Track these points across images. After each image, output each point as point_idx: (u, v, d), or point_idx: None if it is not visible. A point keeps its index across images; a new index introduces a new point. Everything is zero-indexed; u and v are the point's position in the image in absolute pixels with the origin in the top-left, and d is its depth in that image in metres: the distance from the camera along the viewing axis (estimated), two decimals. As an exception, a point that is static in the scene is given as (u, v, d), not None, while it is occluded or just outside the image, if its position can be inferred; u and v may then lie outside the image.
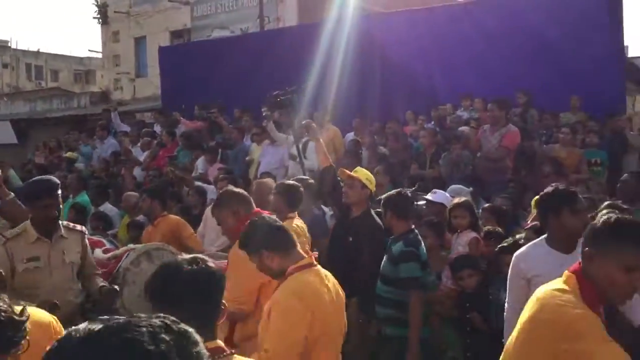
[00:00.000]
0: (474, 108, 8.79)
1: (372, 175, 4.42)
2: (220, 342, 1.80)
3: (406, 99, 9.50)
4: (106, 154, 10.04)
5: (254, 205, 3.53)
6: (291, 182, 4.41)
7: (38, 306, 2.66)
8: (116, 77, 21.17)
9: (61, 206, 3.71)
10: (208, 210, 6.12)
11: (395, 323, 3.85)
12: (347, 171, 4.40)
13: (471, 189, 5.91)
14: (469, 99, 8.88)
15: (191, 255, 1.87)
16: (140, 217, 6.32)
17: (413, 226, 4.02)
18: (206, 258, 1.89)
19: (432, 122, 8.66)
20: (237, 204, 3.44)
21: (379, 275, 3.94)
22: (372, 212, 4.35)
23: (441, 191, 5.10)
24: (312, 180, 5.46)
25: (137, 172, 9.00)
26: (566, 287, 2.01)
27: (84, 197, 7.18)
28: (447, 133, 7.72)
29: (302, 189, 4.23)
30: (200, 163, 8.54)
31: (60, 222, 3.72)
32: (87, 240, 3.85)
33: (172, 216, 5.62)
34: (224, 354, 1.77)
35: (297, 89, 6.81)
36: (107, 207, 7.21)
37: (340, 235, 4.39)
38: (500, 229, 4.54)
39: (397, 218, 3.93)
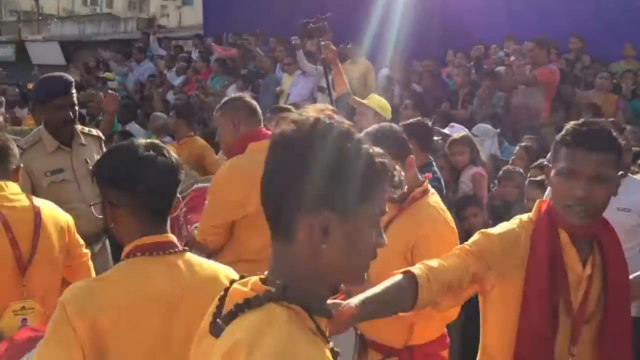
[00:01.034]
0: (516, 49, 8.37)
1: (387, 104, 4.23)
2: (172, 237, 1.67)
3: (447, 38, 9.12)
4: (142, 77, 10.09)
5: (261, 123, 3.11)
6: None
7: None
8: (163, 3, 21.09)
9: (76, 108, 3.34)
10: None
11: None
12: (359, 99, 4.23)
13: (499, 130, 5.67)
14: (512, 39, 8.45)
15: (149, 141, 1.70)
16: (167, 139, 6.35)
17: (431, 158, 3.83)
18: (168, 148, 1.71)
19: (472, 63, 8.32)
20: (239, 116, 2.98)
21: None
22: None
23: (459, 126, 4.90)
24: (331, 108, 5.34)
25: (170, 96, 9.04)
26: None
27: (111, 115, 7.24)
28: (482, 72, 7.39)
29: None
30: (231, 90, 8.48)
31: (76, 127, 3.39)
32: (104, 147, 3.49)
33: (200, 139, 5.59)
34: (176, 249, 1.65)
35: (331, 16, 6.58)
36: (134, 127, 7.29)
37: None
38: (520, 169, 4.35)
39: (419, 149, 3.73)
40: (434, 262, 1.84)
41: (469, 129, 5.17)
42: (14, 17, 22.34)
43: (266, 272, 1.13)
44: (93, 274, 2.58)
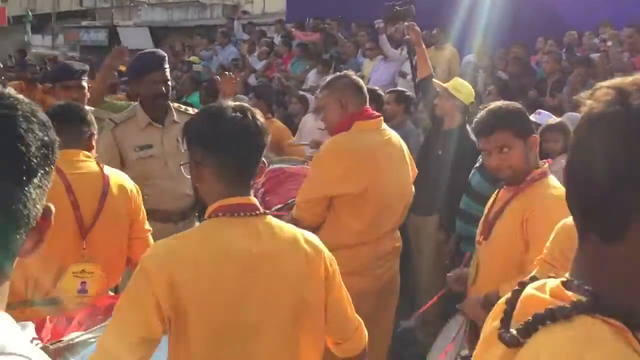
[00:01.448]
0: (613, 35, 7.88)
1: (468, 87, 4.08)
2: (254, 199, 1.67)
3: (538, 24, 8.72)
4: (226, 61, 10.29)
5: (366, 102, 3.02)
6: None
7: None
8: (248, -10, 21.37)
9: (169, 83, 3.37)
10: (305, 118, 6.10)
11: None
12: (438, 81, 4.10)
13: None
14: (608, 25, 7.96)
15: (238, 104, 1.71)
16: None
17: None
18: (255, 110, 1.72)
19: (564, 49, 7.91)
20: (347, 95, 2.93)
21: (468, 191, 3.70)
22: (468, 127, 4.05)
23: (546, 113, 4.65)
24: (409, 93, 5.23)
25: (252, 79, 9.17)
26: None
27: (194, 98, 7.41)
28: (575, 59, 7.01)
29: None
30: (311, 75, 8.50)
31: (171, 104, 3.43)
32: None
33: (278, 121, 5.62)
34: (257, 212, 1.64)
35: (417, 0, 6.42)
36: (216, 108, 7.42)
37: (429, 148, 4.17)
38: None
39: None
40: None
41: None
42: (108, 3, 23.25)
43: (565, 275, 0.90)
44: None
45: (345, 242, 2.79)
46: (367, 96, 3.04)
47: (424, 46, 4.58)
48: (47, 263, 2.28)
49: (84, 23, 23.26)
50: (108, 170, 2.48)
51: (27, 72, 8.17)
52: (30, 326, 1.87)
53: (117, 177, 2.51)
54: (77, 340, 1.91)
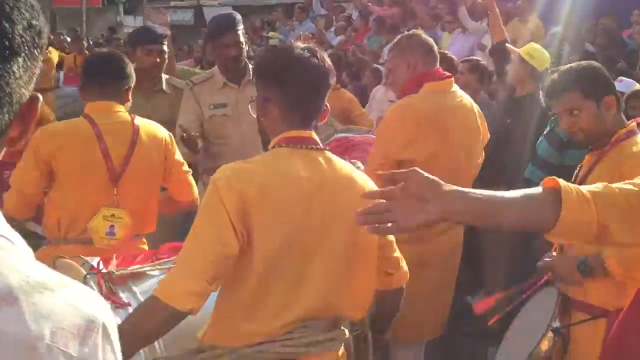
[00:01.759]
0: None
1: (542, 52, 3.85)
2: (315, 135, 1.73)
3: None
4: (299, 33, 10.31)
5: (437, 63, 2.93)
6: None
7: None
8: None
9: (244, 46, 3.36)
10: (375, 90, 6.01)
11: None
12: (510, 45, 3.89)
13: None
14: None
15: (307, 44, 1.77)
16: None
17: None
18: (323, 53, 1.79)
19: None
20: (417, 55, 2.83)
21: (534, 159, 3.52)
22: (541, 94, 3.83)
23: (630, 80, 4.32)
24: (484, 62, 5.03)
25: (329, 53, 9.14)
26: None
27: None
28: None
29: None
30: (387, 49, 8.35)
31: (249, 64, 3.41)
32: None
33: (346, 92, 5.58)
34: (318, 146, 1.71)
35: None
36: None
37: (499, 116, 3.98)
38: None
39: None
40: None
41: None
42: (195, -16, 23.85)
43: None
44: (195, 190, 2.72)
45: None
46: (438, 56, 2.95)
47: (497, 11, 4.37)
48: (80, 205, 2.43)
49: (172, 3, 23.98)
50: (139, 120, 2.58)
51: (113, 46, 8.53)
52: (97, 259, 1.98)
53: (148, 127, 2.61)
54: (141, 270, 1.98)
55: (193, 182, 2.74)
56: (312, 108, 1.74)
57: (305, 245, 1.63)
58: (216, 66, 3.41)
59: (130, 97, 2.62)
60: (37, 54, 0.72)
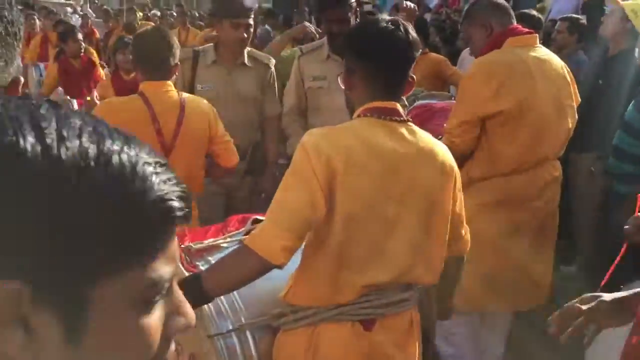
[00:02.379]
0: None
1: None
2: (399, 106, 1.77)
3: None
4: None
5: (512, 19, 2.86)
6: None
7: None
8: None
9: (350, 23, 3.25)
10: (464, 53, 5.85)
11: (630, 180, 3.23)
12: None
13: None
14: None
15: (393, 17, 1.84)
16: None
17: None
18: (408, 25, 1.82)
19: None
20: (489, 16, 2.81)
21: (622, 124, 3.30)
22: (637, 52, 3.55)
23: None
24: (584, 21, 4.73)
25: (426, 16, 8.93)
26: None
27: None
28: None
29: None
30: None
31: None
32: None
33: (433, 54, 5.47)
34: (401, 118, 1.75)
35: None
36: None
37: (591, 77, 3.74)
38: None
39: None
40: None
41: None
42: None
43: None
44: (236, 156, 2.95)
45: (499, 170, 2.69)
46: (512, 14, 2.89)
47: None
48: None
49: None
50: (184, 96, 2.82)
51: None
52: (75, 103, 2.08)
53: (193, 102, 2.83)
54: (216, 243, 2.06)
55: (234, 149, 2.94)
56: (395, 80, 1.77)
57: (385, 213, 1.67)
58: (325, 38, 3.42)
59: (177, 72, 2.82)
60: (10, 41, 0.79)
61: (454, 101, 3.69)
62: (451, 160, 1.82)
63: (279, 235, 1.59)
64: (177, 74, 2.84)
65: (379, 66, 1.74)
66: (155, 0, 21.34)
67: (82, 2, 18.23)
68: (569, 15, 5.17)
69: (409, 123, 1.77)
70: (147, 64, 2.74)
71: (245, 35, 3.28)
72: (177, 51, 2.76)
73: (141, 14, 11.48)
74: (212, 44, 3.49)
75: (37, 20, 8.26)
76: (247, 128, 3.35)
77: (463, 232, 1.95)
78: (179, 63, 2.80)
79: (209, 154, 2.90)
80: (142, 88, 2.73)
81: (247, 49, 3.44)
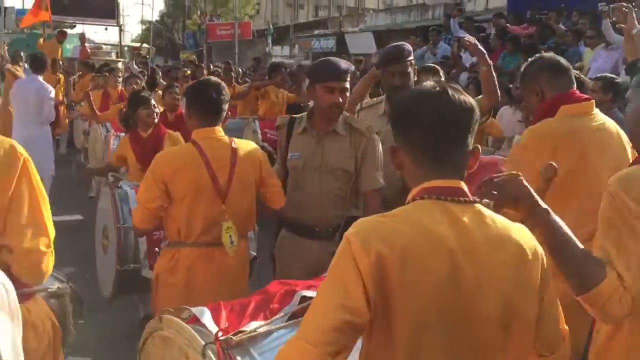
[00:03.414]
0: None
1: None
2: (462, 184, 1.50)
3: None
4: (435, 59, 10.34)
5: (572, 83, 2.73)
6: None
7: None
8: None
9: (411, 76, 3.38)
10: (502, 110, 5.98)
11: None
12: None
13: None
14: None
15: (442, 82, 1.56)
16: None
17: None
18: (456, 87, 1.54)
19: None
20: (542, 80, 2.71)
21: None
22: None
23: None
24: (619, 80, 4.81)
25: (463, 77, 9.11)
26: None
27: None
28: None
29: None
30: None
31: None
32: None
33: None
34: (465, 198, 1.47)
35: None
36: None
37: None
38: None
39: None
40: None
41: None
42: (338, 12, 24.81)
43: None
44: (284, 199, 3.08)
45: None
46: (572, 77, 2.75)
47: (636, 23, 4.17)
48: (194, 218, 2.87)
49: (316, 32, 25.09)
50: (236, 142, 2.96)
51: (257, 74, 9.23)
52: (207, 313, 1.95)
53: (244, 147, 2.98)
54: (258, 331, 1.92)
55: (282, 192, 3.09)
56: (450, 153, 1.49)
57: (454, 313, 1.40)
58: (384, 95, 3.53)
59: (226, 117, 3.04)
60: None
61: (499, 155, 3.76)
62: (532, 243, 1.50)
63: (308, 352, 1.36)
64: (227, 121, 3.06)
65: (424, 139, 1.49)
66: (200, 57, 22.21)
67: (127, 60, 19.12)
68: (603, 74, 5.25)
69: (476, 205, 1.49)
70: (198, 111, 2.91)
71: (341, 99, 3.01)
72: (227, 102, 2.97)
73: (188, 70, 11.98)
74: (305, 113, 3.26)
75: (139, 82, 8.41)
76: (336, 202, 3.08)
77: (562, 337, 1.56)
78: (225, 111, 2.99)
79: (259, 196, 3.04)
80: (194, 136, 2.90)
81: (345, 114, 3.18)
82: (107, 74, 8.41)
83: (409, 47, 3.46)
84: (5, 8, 14.42)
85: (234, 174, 2.87)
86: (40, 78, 7.13)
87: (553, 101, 2.66)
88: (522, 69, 2.86)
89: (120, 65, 14.15)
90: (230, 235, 2.87)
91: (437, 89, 1.50)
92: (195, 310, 1.96)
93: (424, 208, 1.46)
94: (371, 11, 23.40)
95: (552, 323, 1.53)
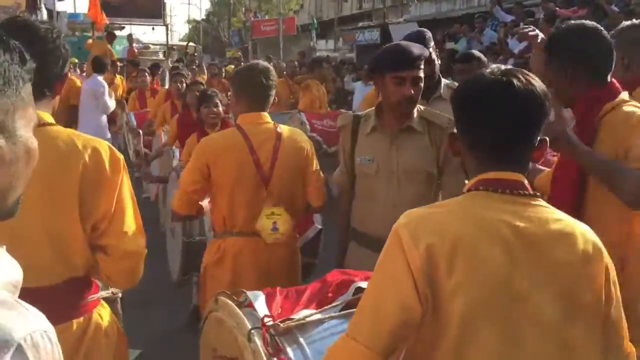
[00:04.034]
0: None
1: None
2: (522, 177, 1.41)
3: None
4: (481, 47, 10.15)
5: None
6: None
7: None
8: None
9: (436, 63, 3.35)
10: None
11: None
12: None
13: None
14: None
15: (505, 68, 1.43)
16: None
17: None
18: (530, 76, 1.41)
19: None
20: (632, 51, 2.43)
21: None
22: None
23: None
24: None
25: (510, 63, 8.89)
26: None
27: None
28: None
29: None
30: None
31: (442, 80, 3.48)
32: None
33: None
34: (525, 192, 1.39)
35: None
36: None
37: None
38: None
39: None
40: None
41: None
42: (382, 4, 24.63)
43: None
44: (325, 197, 2.99)
45: None
46: None
47: None
48: (237, 205, 2.81)
49: (360, 24, 24.94)
50: (281, 128, 2.90)
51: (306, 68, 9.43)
52: (261, 297, 1.95)
53: (290, 133, 2.92)
54: (307, 319, 1.88)
55: (325, 190, 3.02)
56: (513, 148, 1.40)
57: (509, 312, 1.32)
58: None
59: (274, 102, 2.93)
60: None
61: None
62: (597, 243, 1.40)
63: (359, 355, 1.31)
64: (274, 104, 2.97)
65: (483, 130, 1.40)
66: (246, 54, 22.47)
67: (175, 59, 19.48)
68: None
69: (537, 199, 1.40)
70: (243, 96, 2.86)
71: (413, 92, 2.57)
72: (275, 86, 2.91)
73: (232, 66, 12.12)
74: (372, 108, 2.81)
75: (147, 77, 9.11)
76: None
77: (625, 353, 1.44)
78: (273, 96, 2.90)
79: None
80: (239, 121, 2.87)
81: (420, 107, 2.74)
82: (135, 73, 8.92)
83: (428, 33, 3.31)
84: (58, 12, 14.88)
85: (277, 159, 2.80)
86: (101, 78, 7.97)
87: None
88: (617, 29, 2.57)
89: (165, 64, 14.48)
90: (274, 222, 2.77)
91: (504, 79, 1.37)
92: (250, 293, 1.97)
93: (479, 199, 1.39)
94: (415, 1, 23.04)
95: (617, 328, 1.42)
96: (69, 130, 1.78)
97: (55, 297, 1.72)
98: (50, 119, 1.75)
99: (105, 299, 1.96)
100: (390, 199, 2.63)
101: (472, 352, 1.31)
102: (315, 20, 27.23)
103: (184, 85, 6.52)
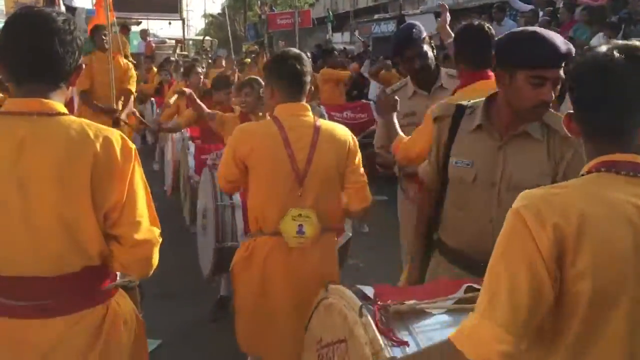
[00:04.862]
0: None
1: None
2: None
3: None
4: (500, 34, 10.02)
5: None
6: None
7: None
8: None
9: (429, 55, 3.38)
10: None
11: None
12: None
13: None
14: None
15: (628, 44, 1.38)
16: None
17: None
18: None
19: None
20: None
21: None
22: None
23: None
24: None
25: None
26: None
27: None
28: None
29: None
30: (596, 40, 7.80)
31: (442, 69, 3.49)
32: None
33: None
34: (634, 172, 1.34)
35: None
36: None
37: None
38: None
39: None
40: None
41: None
42: (399, -6, 24.36)
43: None
44: (367, 201, 2.76)
45: None
46: None
47: None
48: (270, 203, 2.66)
49: (375, 16, 24.76)
50: (320, 122, 2.72)
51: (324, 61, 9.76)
52: (370, 288, 1.95)
53: (330, 128, 2.73)
54: (418, 307, 1.85)
55: (367, 193, 2.78)
56: (632, 127, 1.36)
57: (638, 295, 1.27)
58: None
59: (309, 93, 2.80)
60: None
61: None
62: None
63: (497, 337, 1.26)
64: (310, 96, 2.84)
65: (601, 115, 1.36)
66: (262, 47, 22.45)
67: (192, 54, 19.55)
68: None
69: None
70: (287, 84, 2.68)
71: (547, 97, 2.08)
72: (311, 75, 2.77)
73: (249, 60, 12.11)
74: (482, 98, 2.33)
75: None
76: None
77: None
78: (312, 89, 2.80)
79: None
80: (276, 112, 2.69)
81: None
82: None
83: (418, 26, 3.38)
84: (75, 8, 14.95)
85: (313, 155, 2.63)
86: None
87: None
88: None
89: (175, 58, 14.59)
90: (300, 225, 2.60)
91: (616, 56, 1.33)
92: (360, 286, 1.99)
93: (603, 179, 1.35)
94: (432, -9, 22.87)
95: None
96: (81, 119, 1.78)
97: (72, 285, 1.73)
98: (64, 109, 1.76)
99: (124, 288, 1.96)
100: (487, 213, 2.24)
101: (599, 337, 1.28)
102: (330, 13, 27.07)
103: (201, 78, 6.71)
